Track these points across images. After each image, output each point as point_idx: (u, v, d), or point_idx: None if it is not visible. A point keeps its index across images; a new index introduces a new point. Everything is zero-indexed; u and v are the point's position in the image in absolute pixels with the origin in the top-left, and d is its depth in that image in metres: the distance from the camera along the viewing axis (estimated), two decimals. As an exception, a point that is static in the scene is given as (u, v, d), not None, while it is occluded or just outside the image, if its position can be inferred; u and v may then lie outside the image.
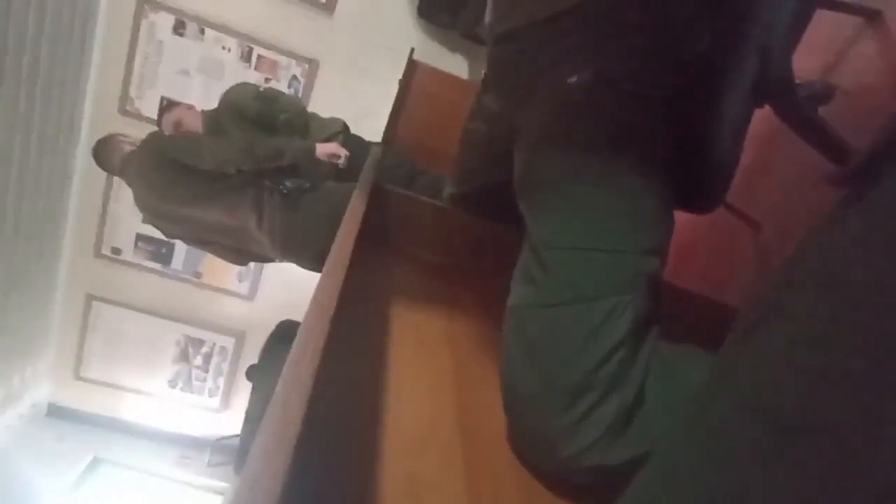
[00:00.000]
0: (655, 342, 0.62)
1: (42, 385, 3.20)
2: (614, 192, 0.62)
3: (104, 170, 1.92)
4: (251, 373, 2.15)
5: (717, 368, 0.39)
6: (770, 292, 0.35)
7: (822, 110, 0.72)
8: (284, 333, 2.06)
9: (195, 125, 1.89)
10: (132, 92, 2.77)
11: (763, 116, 0.73)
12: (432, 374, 0.70)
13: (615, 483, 0.60)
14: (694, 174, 0.69)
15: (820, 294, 0.30)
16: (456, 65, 2.86)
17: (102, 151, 1.85)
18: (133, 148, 1.79)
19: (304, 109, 2.05)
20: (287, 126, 1.90)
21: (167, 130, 1.91)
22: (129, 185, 1.80)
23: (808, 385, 0.28)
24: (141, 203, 1.80)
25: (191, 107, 1.98)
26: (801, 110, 0.69)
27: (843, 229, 0.31)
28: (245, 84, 2.03)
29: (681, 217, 0.69)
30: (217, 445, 3.27)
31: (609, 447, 0.55)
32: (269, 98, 1.92)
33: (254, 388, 2.06)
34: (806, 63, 0.98)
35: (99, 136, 1.89)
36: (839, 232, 0.32)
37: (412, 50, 1.85)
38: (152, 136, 1.79)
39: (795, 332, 0.30)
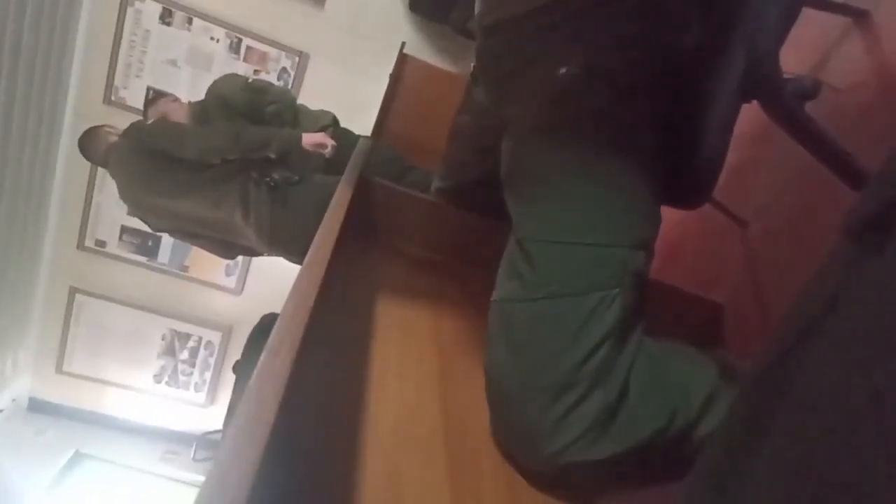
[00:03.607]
0: (641, 338, 0.62)
1: (23, 379, 3.14)
2: (601, 186, 0.61)
3: (89, 160, 1.88)
4: (237, 367, 2.12)
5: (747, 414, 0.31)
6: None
7: (810, 107, 0.73)
8: (268, 327, 2.03)
9: (181, 117, 1.86)
10: (117, 81, 2.72)
11: (751, 115, 0.73)
12: (417, 369, 0.69)
13: (598, 479, 0.60)
14: (681, 169, 0.69)
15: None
16: (447, 60, 2.84)
17: (88, 141, 1.81)
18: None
19: (293, 102, 2.02)
20: (276, 118, 1.87)
21: None
22: (113, 176, 1.77)
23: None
24: (124, 195, 1.77)
25: (176, 99, 1.94)
26: (787, 106, 0.69)
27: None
28: (233, 75, 2.00)
29: (668, 214, 0.68)
30: (203, 440, 3.23)
31: (593, 443, 0.55)
32: (258, 90, 1.89)
33: (237, 382, 2.04)
34: (794, 62, 0.99)
35: (83, 126, 1.85)
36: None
37: (403, 44, 1.83)
38: (134, 125, 1.76)
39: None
